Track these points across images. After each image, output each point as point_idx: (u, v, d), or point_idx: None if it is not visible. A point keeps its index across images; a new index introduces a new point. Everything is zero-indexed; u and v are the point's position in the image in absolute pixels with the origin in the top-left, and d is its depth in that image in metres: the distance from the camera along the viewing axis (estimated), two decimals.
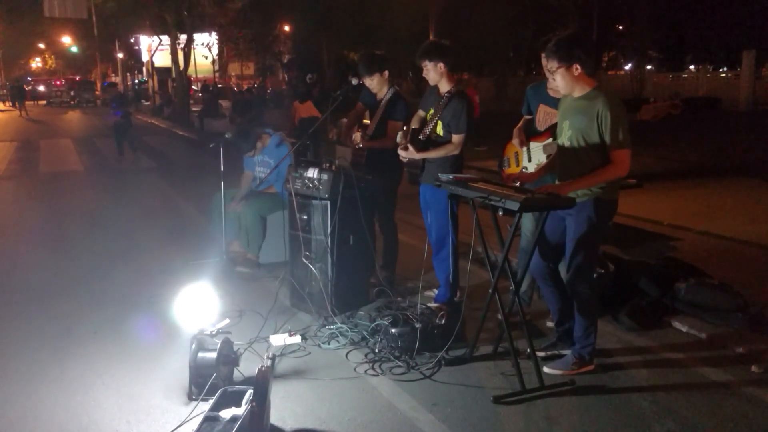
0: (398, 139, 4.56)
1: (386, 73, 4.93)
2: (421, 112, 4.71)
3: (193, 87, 39.44)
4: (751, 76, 24.26)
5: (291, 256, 4.80)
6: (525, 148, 4.30)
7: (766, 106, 23.02)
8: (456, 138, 4.42)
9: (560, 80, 3.52)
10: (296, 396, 3.47)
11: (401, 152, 4.54)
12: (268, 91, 33.46)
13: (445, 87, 4.47)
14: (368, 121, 5.06)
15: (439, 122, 4.47)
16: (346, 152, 4.98)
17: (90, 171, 12.87)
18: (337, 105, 5.11)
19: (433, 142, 4.48)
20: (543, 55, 3.66)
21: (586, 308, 3.62)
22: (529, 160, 4.28)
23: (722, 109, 22.89)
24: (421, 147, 4.45)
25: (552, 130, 4.13)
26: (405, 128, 4.64)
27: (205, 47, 35.52)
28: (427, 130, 4.48)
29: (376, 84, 4.92)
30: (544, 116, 4.27)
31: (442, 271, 4.64)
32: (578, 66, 3.46)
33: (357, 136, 4.88)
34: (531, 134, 4.31)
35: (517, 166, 4.36)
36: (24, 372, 3.79)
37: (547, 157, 4.16)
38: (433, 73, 4.44)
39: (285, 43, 40.41)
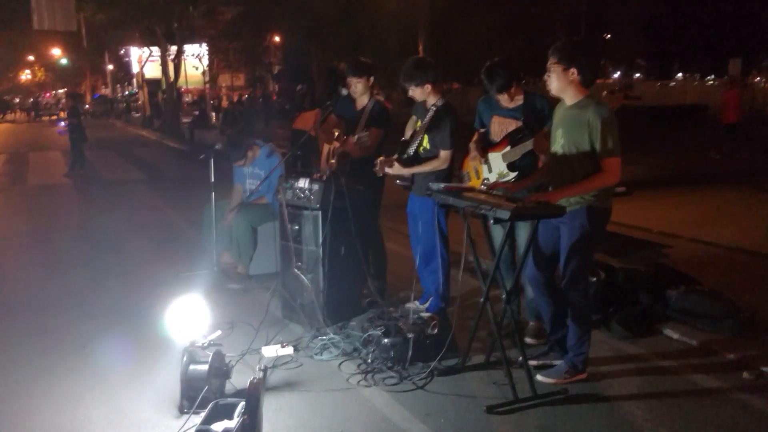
0: (377, 168, 4.55)
1: (371, 79, 4.90)
2: (414, 117, 4.71)
3: (186, 100, 39.46)
4: (738, 84, 24.55)
5: (282, 267, 4.79)
6: (484, 160, 4.29)
7: (753, 114, 23.23)
8: (443, 154, 4.40)
9: (553, 79, 3.54)
10: (289, 408, 3.45)
11: (387, 170, 4.52)
12: (260, 101, 33.37)
13: (431, 100, 4.46)
14: (338, 132, 4.97)
15: (425, 136, 4.46)
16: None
17: (79, 183, 12.79)
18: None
19: (418, 157, 4.47)
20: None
21: (580, 316, 3.63)
22: (490, 171, 4.27)
23: (710, 116, 23.08)
24: (407, 163, 4.45)
25: (509, 138, 4.16)
26: (382, 158, 4.57)
27: (196, 58, 35.54)
28: (411, 149, 4.46)
29: (360, 88, 4.88)
30: (498, 126, 4.28)
31: (432, 282, 4.63)
32: (575, 71, 3.48)
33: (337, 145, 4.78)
34: (487, 146, 4.31)
35: (478, 178, 4.35)
36: (13, 387, 3.75)
37: (508, 165, 4.17)
38: (420, 93, 4.44)
39: (275, 54, 40.43)
